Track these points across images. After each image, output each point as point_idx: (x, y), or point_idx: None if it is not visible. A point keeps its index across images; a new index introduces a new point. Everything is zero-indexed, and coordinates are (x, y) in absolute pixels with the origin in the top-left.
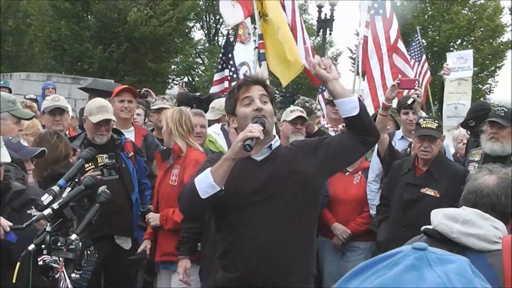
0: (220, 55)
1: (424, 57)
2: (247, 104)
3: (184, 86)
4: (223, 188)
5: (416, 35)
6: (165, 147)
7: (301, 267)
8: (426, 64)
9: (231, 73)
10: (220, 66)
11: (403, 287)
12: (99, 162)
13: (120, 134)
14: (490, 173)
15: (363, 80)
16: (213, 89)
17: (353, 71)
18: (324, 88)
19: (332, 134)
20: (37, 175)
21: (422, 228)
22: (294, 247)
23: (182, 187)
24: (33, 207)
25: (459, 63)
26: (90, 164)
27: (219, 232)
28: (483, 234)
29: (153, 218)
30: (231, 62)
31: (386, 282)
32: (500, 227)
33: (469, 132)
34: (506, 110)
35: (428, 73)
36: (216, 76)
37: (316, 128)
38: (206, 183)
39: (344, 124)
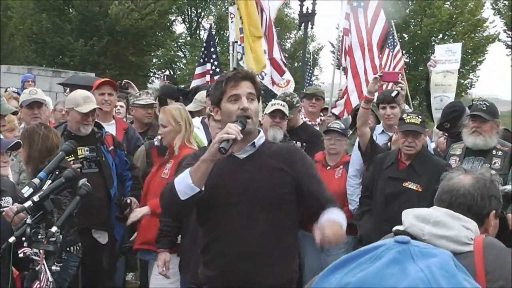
0: (202, 49)
1: (397, 48)
2: (234, 101)
3: (165, 79)
4: (202, 189)
5: (391, 29)
6: (153, 142)
7: (281, 266)
8: (399, 54)
9: (213, 67)
10: (201, 60)
11: (386, 281)
12: (79, 154)
13: (100, 127)
14: (465, 173)
15: (344, 74)
16: (194, 83)
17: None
18: (309, 82)
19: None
20: (32, 168)
21: (394, 228)
22: (275, 246)
23: (164, 187)
24: (3, 198)
25: (447, 55)
26: (70, 156)
27: (201, 227)
28: (454, 236)
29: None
30: (213, 56)
31: (369, 276)
32: (471, 227)
33: (446, 134)
34: (488, 104)
35: (401, 63)
36: (198, 70)
37: (301, 122)
38: (184, 185)
39: (321, 118)
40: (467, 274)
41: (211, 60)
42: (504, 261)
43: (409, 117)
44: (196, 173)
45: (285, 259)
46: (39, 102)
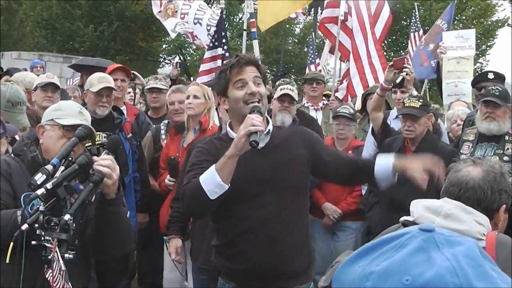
0: (213, 32)
1: (421, 32)
2: (240, 86)
3: (177, 66)
4: (229, 184)
5: (414, 11)
6: (160, 127)
7: (304, 251)
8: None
9: (223, 51)
10: (211, 44)
11: (411, 270)
12: (97, 140)
13: (121, 113)
14: (474, 164)
15: (344, 61)
16: (203, 67)
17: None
18: (313, 60)
19: (313, 113)
20: None
21: (401, 219)
22: (299, 232)
23: (184, 188)
24: None
25: (458, 42)
26: (88, 141)
27: (218, 222)
28: (466, 230)
29: None
30: (223, 40)
31: (393, 265)
32: (483, 222)
33: (477, 92)
34: (500, 89)
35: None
36: (207, 54)
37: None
38: (214, 184)
39: (324, 102)
40: (493, 263)
41: (222, 45)
42: None
43: (409, 101)
44: (224, 170)
45: (306, 243)
46: (54, 85)
